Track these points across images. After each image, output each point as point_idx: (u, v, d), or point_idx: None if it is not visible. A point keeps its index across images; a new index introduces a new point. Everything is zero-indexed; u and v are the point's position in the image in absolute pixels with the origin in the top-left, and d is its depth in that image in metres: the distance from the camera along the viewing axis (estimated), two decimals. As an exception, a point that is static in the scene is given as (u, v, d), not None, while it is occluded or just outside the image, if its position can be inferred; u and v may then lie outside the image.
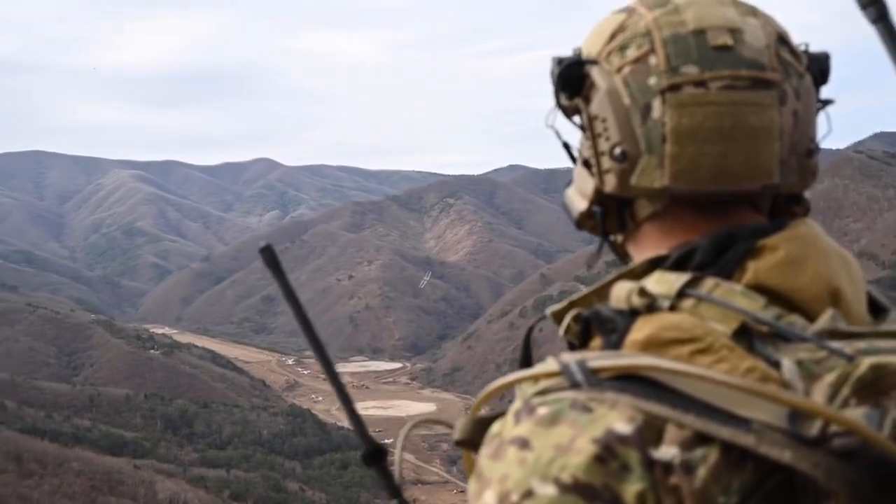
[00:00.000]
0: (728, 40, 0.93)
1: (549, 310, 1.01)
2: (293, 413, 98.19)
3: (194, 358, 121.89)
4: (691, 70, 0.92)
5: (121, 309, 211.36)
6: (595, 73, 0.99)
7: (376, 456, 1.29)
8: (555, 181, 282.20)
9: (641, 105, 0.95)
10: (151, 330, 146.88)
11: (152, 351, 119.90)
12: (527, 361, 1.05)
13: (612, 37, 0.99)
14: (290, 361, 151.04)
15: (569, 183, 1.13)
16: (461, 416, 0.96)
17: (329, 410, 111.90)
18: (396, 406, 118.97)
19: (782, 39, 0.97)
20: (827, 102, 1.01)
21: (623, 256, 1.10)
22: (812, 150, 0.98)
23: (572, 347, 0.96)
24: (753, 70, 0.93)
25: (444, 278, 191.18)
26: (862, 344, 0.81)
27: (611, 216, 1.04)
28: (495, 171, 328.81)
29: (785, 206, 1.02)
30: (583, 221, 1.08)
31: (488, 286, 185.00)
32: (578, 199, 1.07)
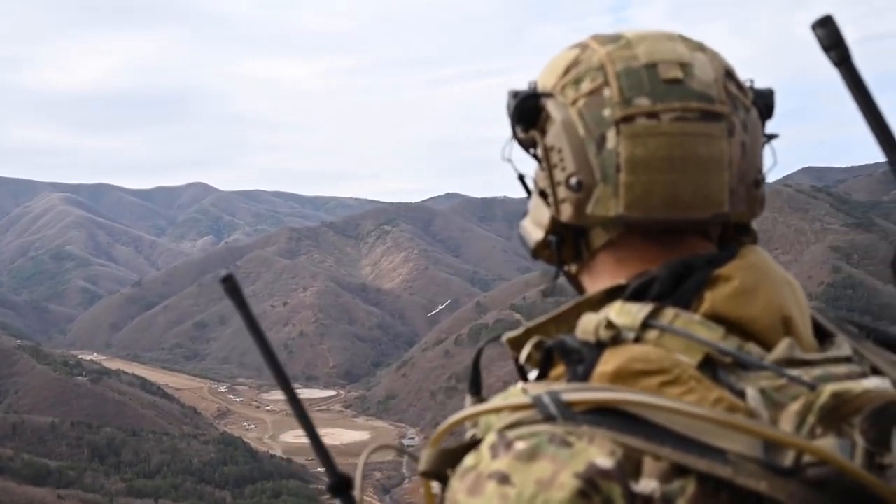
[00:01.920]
0: (678, 74, 0.97)
1: (506, 336, 1.03)
2: (224, 441, 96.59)
3: (123, 385, 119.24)
4: (644, 102, 0.96)
5: (48, 335, 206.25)
6: (550, 106, 1.02)
7: (341, 486, 1.29)
8: (491, 210, 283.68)
9: (596, 136, 0.98)
10: (80, 356, 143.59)
11: (80, 377, 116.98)
12: (476, 386, 1.06)
13: (567, 71, 1.03)
14: (222, 389, 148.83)
15: (524, 214, 1.15)
16: (423, 446, 0.95)
17: (261, 438, 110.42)
18: (330, 434, 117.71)
19: (729, 74, 1.01)
20: (772, 136, 1.05)
21: (577, 286, 1.12)
22: (759, 180, 1.02)
23: (521, 374, 1.00)
24: (703, 102, 0.97)
25: (379, 305, 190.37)
26: (818, 371, 0.87)
27: (566, 246, 1.07)
28: (433, 199, 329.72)
29: (734, 235, 1.05)
30: (539, 251, 1.10)
31: (423, 314, 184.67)
32: (534, 228, 1.09)
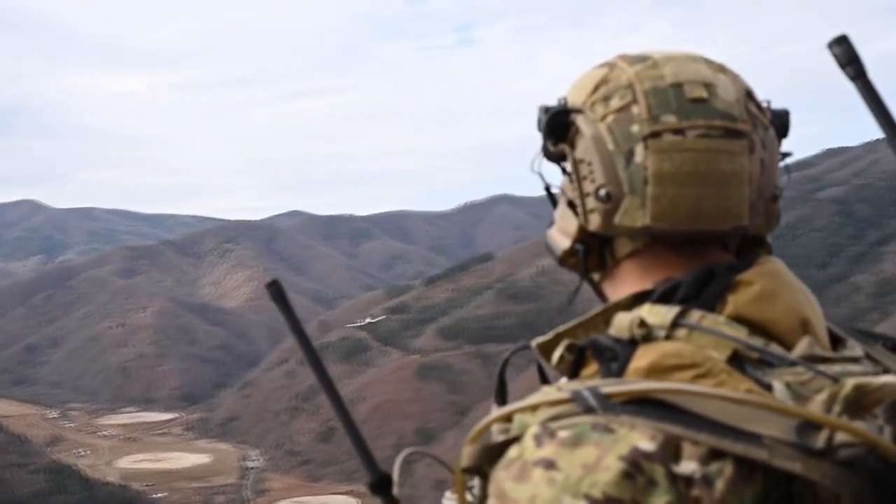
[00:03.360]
0: (703, 93, 1.04)
1: (536, 341, 1.08)
2: (55, 470, 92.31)
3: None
4: (670, 119, 1.03)
5: None
6: (580, 121, 1.08)
7: (382, 484, 1.33)
8: (336, 228, 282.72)
9: (625, 150, 1.05)
10: None
11: None
12: (503, 395, 1.13)
13: (596, 88, 1.09)
14: (53, 414, 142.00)
15: (550, 224, 1.21)
16: (463, 445, 0.97)
17: (96, 465, 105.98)
18: (169, 458, 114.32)
19: (749, 95, 1.08)
20: (786, 154, 1.11)
21: (599, 293, 1.18)
22: (777, 195, 1.09)
23: (543, 379, 1.09)
24: (726, 121, 1.03)
25: (221, 325, 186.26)
26: (837, 367, 0.93)
27: (592, 254, 1.13)
28: (276, 216, 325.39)
29: (750, 247, 1.11)
30: (566, 259, 1.15)
31: (267, 333, 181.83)
32: (562, 237, 1.15)
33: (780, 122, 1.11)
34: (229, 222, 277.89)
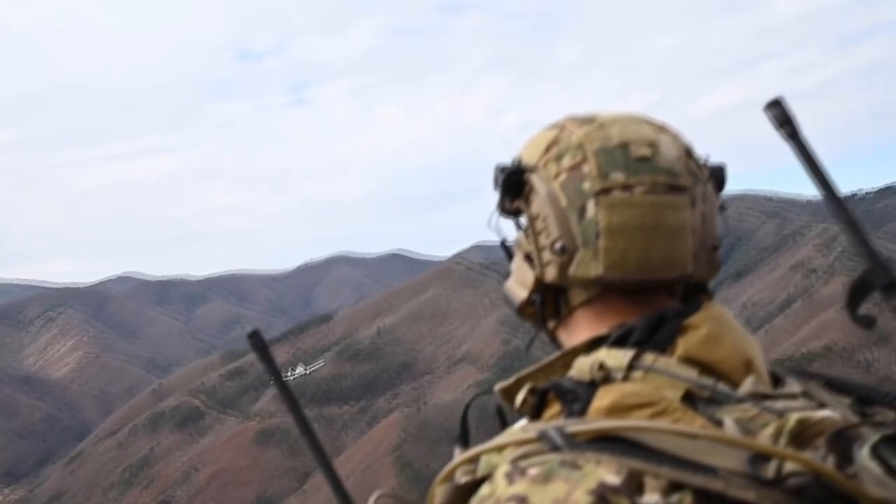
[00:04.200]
0: (647, 152, 1.12)
1: (498, 386, 1.15)
2: None
3: None
4: (619, 176, 1.11)
5: None
6: (534, 179, 1.16)
7: None
8: (169, 292, 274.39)
9: (578, 206, 1.12)
10: None
11: None
12: (465, 439, 1.19)
13: (548, 148, 1.17)
14: None
15: (507, 276, 1.28)
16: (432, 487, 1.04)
17: None
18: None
19: (689, 152, 1.17)
20: (723, 207, 1.20)
21: (554, 340, 1.25)
22: (717, 245, 1.17)
23: (503, 423, 1.14)
24: (669, 177, 1.11)
25: (46, 397, 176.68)
26: (780, 404, 1.00)
27: (547, 304, 1.20)
28: (105, 281, 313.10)
29: (694, 293, 1.19)
30: (523, 309, 1.23)
31: (96, 404, 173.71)
32: (519, 289, 1.23)
33: (717, 177, 1.19)
34: (55, 289, 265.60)
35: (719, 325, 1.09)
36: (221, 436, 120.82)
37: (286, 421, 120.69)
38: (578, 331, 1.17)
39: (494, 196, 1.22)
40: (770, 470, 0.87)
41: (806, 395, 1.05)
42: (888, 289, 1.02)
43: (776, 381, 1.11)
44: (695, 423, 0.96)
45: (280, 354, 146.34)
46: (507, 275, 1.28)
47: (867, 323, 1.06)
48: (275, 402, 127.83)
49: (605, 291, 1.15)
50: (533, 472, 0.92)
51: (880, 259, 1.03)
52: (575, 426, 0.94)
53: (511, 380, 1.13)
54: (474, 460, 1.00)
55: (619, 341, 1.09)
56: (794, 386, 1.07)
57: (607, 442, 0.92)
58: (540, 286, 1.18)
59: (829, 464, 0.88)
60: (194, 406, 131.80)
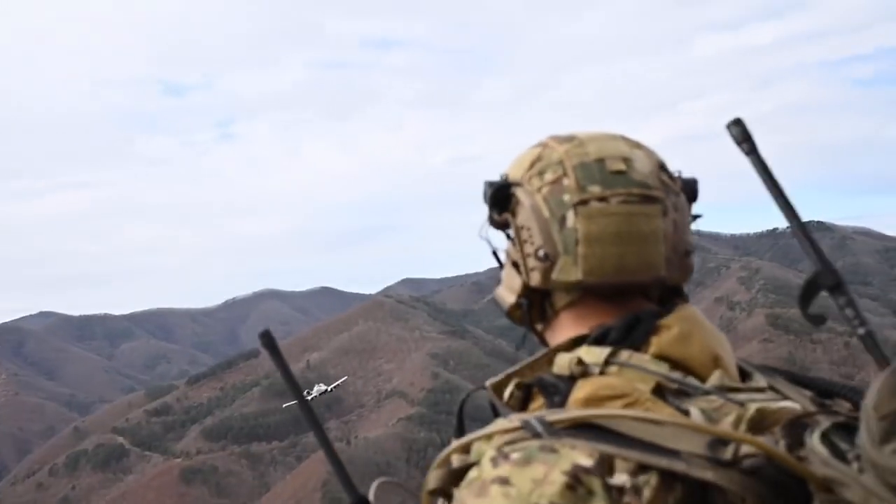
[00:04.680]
0: (622, 166, 1.24)
1: (489, 382, 1.27)
2: None
3: None
4: (596, 189, 1.22)
5: None
6: (520, 193, 1.28)
7: None
8: (91, 328, 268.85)
9: (559, 216, 1.23)
10: None
11: None
12: (461, 428, 1.31)
13: (532, 165, 1.29)
14: None
15: (497, 283, 1.40)
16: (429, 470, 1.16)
17: None
18: None
19: (662, 166, 1.28)
20: (697, 216, 1.32)
21: (542, 340, 1.36)
22: (689, 251, 1.29)
23: (495, 414, 1.22)
24: (642, 188, 1.23)
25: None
26: (743, 396, 1.12)
27: (534, 307, 1.32)
28: (24, 318, 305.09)
29: (669, 296, 1.31)
30: (512, 312, 1.35)
31: (13, 444, 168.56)
32: (508, 294, 1.35)
33: (690, 189, 1.31)
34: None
35: (690, 324, 1.20)
36: (146, 474, 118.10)
37: (212, 458, 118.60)
38: (562, 331, 1.28)
39: (475, 212, 1.33)
40: (728, 453, 0.98)
41: (771, 388, 1.17)
42: (834, 290, 1.15)
43: (745, 376, 1.22)
44: (663, 412, 1.08)
45: (206, 391, 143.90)
46: (498, 282, 1.40)
47: (817, 321, 1.19)
48: (200, 440, 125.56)
49: (586, 295, 1.26)
50: (515, 456, 1.04)
51: (828, 263, 1.14)
52: (554, 415, 1.07)
53: (501, 376, 1.24)
54: (467, 448, 1.12)
55: (598, 340, 1.20)
56: (760, 381, 1.19)
57: (582, 429, 1.04)
58: (526, 291, 1.30)
59: (782, 447, 0.99)
60: (117, 444, 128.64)
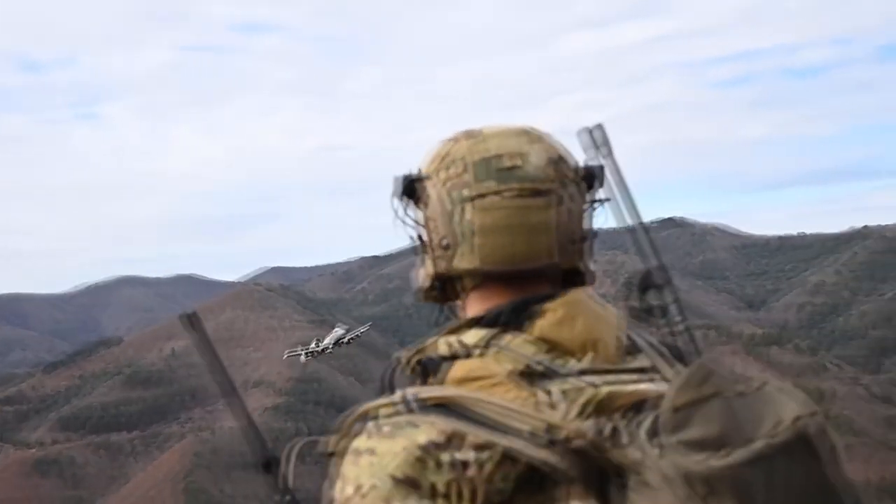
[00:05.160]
0: (518, 162, 1.34)
1: (401, 355, 1.36)
2: None
3: None
4: (491, 184, 1.33)
5: None
6: (428, 186, 1.38)
7: (271, 465, 1.53)
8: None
9: (459, 209, 1.34)
10: None
11: None
12: (389, 389, 1.38)
13: (441, 159, 1.39)
14: None
15: (418, 269, 1.49)
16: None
17: None
18: None
19: (561, 158, 1.37)
20: (605, 200, 1.39)
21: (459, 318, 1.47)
22: (584, 237, 1.39)
23: (390, 387, 1.32)
24: (535, 183, 1.33)
25: None
26: (610, 377, 1.22)
27: (450, 289, 1.42)
28: None
29: (573, 279, 1.40)
30: (426, 294, 1.45)
31: None
32: (423, 278, 1.44)
33: (592, 176, 1.39)
34: None
35: (573, 308, 1.30)
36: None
37: (69, 448, 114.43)
38: (471, 311, 1.39)
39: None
40: (562, 434, 1.14)
41: (652, 369, 1.27)
42: (663, 287, 1.27)
43: (634, 353, 1.31)
44: (523, 393, 1.20)
45: (61, 380, 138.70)
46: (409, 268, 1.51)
47: (648, 313, 1.29)
48: (55, 430, 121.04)
49: (488, 279, 1.37)
50: (386, 429, 1.21)
51: (662, 262, 1.29)
52: (424, 393, 1.22)
53: (412, 350, 1.35)
54: (364, 415, 1.26)
55: (491, 322, 1.31)
56: (642, 361, 1.29)
57: (445, 407, 1.20)
58: (436, 276, 1.41)
59: (607, 430, 1.13)
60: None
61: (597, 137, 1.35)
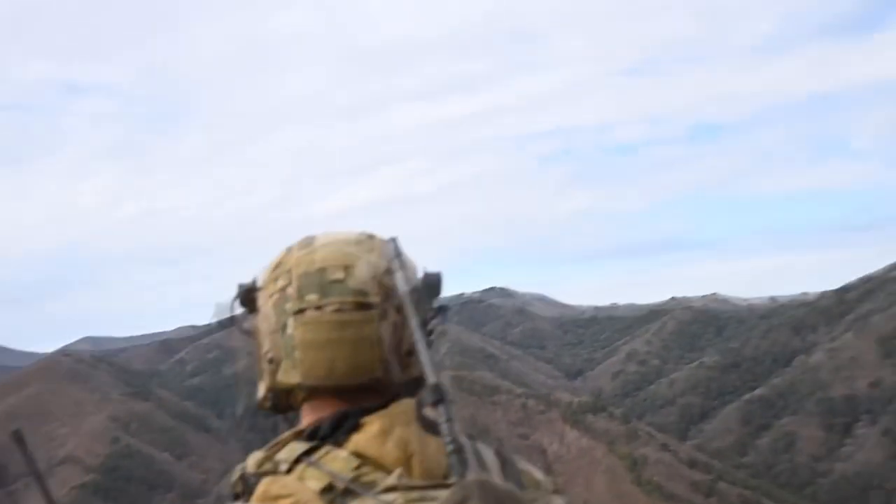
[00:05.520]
0: (341, 275, 1.31)
1: (239, 468, 1.33)
2: None
3: None
4: (313, 298, 1.30)
5: None
6: (260, 297, 1.38)
7: None
8: None
9: (282, 323, 1.32)
10: None
11: None
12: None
13: (273, 269, 1.37)
14: None
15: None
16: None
17: None
18: None
19: (388, 270, 1.33)
20: (440, 309, 1.38)
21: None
22: (411, 350, 1.32)
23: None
24: (358, 297, 1.30)
25: None
26: (415, 494, 1.20)
27: (282, 400, 1.39)
28: None
29: (414, 390, 1.35)
30: (262, 404, 1.43)
31: None
32: (260, 388, 1.42)
33: (430, 285, 1.37)
34: None
35: (392, 422, 1.27)
36: None
37: None
38: (305, 421, 1.36)
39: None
40: None
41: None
42: (438, 404, 1.22)
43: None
44: None
45: None
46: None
47: (432, 428, 1.25)
48: None
49: (316, 392, 1.34)
50: None
51: (440, 380, 1.22)
52: None
53: (240, 466, 1.32)
54: None
55: (312, 435, 1.29)
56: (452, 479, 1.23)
57: None
58: (269, 388, 1.39)
59: None
60: None
61: (390, 250, 1.34)
